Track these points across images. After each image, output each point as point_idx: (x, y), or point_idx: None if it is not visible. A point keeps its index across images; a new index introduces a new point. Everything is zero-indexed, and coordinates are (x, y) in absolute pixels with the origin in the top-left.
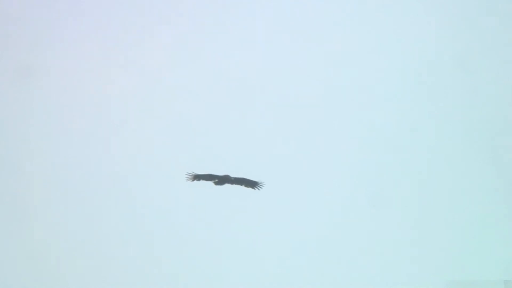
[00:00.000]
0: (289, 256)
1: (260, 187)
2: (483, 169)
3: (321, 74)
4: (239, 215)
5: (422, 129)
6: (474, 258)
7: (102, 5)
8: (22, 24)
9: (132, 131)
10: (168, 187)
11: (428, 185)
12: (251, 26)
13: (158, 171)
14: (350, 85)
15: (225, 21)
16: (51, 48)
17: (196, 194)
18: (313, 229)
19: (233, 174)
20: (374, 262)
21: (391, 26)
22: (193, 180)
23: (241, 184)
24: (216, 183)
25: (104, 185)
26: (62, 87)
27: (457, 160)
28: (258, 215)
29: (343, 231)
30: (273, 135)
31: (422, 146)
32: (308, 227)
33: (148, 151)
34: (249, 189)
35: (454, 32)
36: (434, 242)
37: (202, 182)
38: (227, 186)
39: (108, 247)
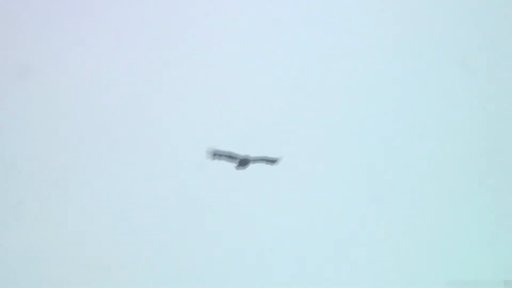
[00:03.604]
0: (286, 256)
1: (278, 163)
2: (483, 169)
3: (320, 73)
4: (230, 217)
5: (423, 128)
6: (474, 258)
7: (103, 5)
8: (22, 24)
9: (134, 131)
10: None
11: (428, 184)
12: (250, 23)
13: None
14: (349, 83)
15: (224, 19)
16: (51, 48)
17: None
18: (311, 229)
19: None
20: (374, 262)
21: (390, 24)
22: (213, 158)
23: (262, 162)
24: (238, 167)
25: (105, 186)
26: (61, 87)
27: (458, 160)
28: (256, 216)
29: (342, 230)
30: (271, 133)
31: (422, 145)
32: (306, 226)
33: (150, 151)
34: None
35: (455, 30)
36: (434, 242)
37: (223, 163)
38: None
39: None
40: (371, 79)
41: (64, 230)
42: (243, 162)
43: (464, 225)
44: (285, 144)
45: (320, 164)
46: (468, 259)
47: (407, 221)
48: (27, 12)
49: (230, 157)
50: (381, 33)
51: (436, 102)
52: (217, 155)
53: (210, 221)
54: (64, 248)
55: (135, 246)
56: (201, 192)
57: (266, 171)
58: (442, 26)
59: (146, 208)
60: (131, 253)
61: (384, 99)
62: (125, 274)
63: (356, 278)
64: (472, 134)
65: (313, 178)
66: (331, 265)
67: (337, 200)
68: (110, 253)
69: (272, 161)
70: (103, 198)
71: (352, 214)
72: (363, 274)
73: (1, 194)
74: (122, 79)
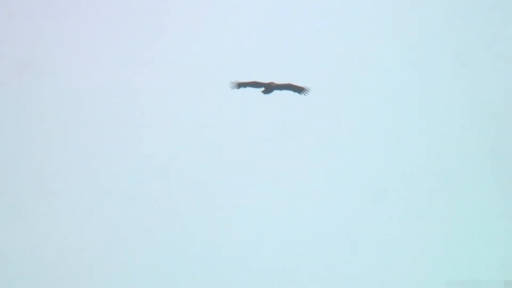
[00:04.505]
0: (285, 255)
1: (306, 93)
2: (483, 169)
3: (321, 72)
4: (233, 217)
5: (423, 127)
6: (474, 258)
7: (103, 2)
8: (22, 20)
9: (134, 129)
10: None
11: (428, 184)
12: (250, 23)
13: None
14: (350, 82)
15: (224, 19)
16: (51, 44)
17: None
18: (310, 228)
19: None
20: (374, 261)
21: (390, 22)
22: (238, 88)
23: (288, 89)
24: (264, 92)
25: (105, 185)
26: (62, 85)
27: (458, 159)
28: (256, 215)
29: (342, 230)
30: (272, 132)
31: (422, 145)
32: (305, 226)
33: (149, 153)
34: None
35: (454, 27)
36: (434, 242)
37: (248, 89)
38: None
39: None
40: (369, 76)
41: (64, 229)
42: (268, 89)
43: (464, 225)
44: (285, 145)
45: (320, 164)
46: (468, 259)
47: (407, 222)
48: (27, 8)
49: (254, 85)
50: (380, 30)
51: (434, 98)
52: (242, 85)
53: (212, 221)
54: (63, 248)
55: (134, 245)
56: (201, 193)
57: (266, 171)
58: (440, 21)
59: (146, 208)
60: (131, 253)
61: (383, 95)
62: (124, 274)
63: (357, 277)
64: (472, 133)
65: (314, 178)
66: (331, 265)
67: (337, 200)
68: (108, 254)
69: (299, 89)
70: (103, 196)
71: (352, 214)
72: (364, 273)
73: (0, 192)
74: (120, 76)
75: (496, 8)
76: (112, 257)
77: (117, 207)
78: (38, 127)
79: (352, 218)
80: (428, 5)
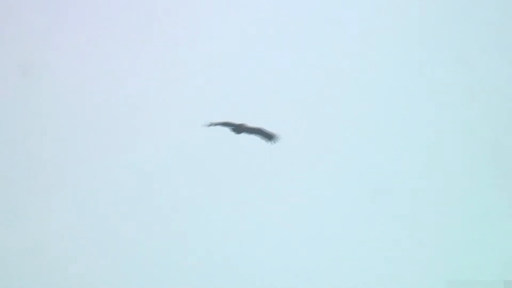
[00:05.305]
0: (283, 255)
1: (276, 142)
2: (483, 168)
3: (321, 72)
4: (233, 217)
5: (423, 127)
6: (474, 258)
7: (104, 2)
8: (23, 20)
9: (135, 131)
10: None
11: (428, 184)
12: (248, 23)
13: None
14: (350, 81)
15: (222, 19)
16: (52, 45)
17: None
18: (309, 228)
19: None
20: (373, 261)
21: (390, 22)
22: (209, 126)
23: (258, 134)
24: (233, 130)
25: (105, 186)
26: (63, 85)
27: (458, 159)
28: (255, 213)
29: (341, 230)
30: (272, 130)
31: (422, 144)
32: (304, 225)
33: (153, 154)
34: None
35: (454, 28)
36: (434, 242)
37: (218, 128)
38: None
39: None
40: (366, 77)
41: (65, 229)
42: (238, 129)
43: (464, 225)
44: (284, 142)
45: (319, 163)
46: (468, 259)
47: (406, 221)
48: (28, 8)
49: (226, 125)
50: (377, 29)
51: (433, 100)
52: (212, 124)
53: (209, 221)
54: (62, 248)
55: (134, 245)
56: (200, 193)
57: (265, 172)
58: (439, 20)
59: (150, 211)
60: (130, 253)
61: (384, 96)
62: (124, 274)
63: (356, 278)
64: (473, 133)
65: (312, 177)
66: (330, 265)
67: (336, 199)
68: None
69: (269, 136)
70: (103, 198)
71: (351, 213)
72: (363, 274)
73: (0, 192)
74: (122, 77)
75: (496, 8)
76: (109, 258)
77: (117, 208)
78: (39, 129)
79: (351, 218)
80: (427, 5)
